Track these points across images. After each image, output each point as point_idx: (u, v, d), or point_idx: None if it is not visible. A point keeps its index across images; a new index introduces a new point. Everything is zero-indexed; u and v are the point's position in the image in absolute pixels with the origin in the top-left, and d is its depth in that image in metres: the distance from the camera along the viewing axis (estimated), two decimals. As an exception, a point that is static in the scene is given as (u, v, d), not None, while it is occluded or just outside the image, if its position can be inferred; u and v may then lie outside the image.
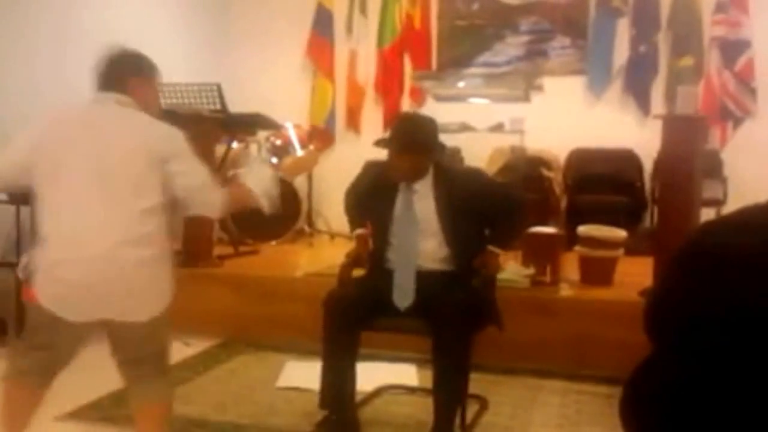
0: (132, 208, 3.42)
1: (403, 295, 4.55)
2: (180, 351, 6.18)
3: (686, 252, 2.11)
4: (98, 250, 3.35)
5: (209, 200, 3.72)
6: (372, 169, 5.02)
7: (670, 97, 8.68)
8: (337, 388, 4.48)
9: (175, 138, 3.68)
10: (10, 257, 6.51)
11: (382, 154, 4.75)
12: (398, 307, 4.54)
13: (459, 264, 4.61)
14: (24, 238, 6.56)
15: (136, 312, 3.50)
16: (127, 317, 3.50)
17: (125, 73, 3.86)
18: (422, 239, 4.63)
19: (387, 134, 5.08)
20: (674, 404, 2.03)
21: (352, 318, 4.42)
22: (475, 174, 5.22)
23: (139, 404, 3.81)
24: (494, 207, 4.72)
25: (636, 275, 5.93)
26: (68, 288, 3.41)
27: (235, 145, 8.13)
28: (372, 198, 4.82)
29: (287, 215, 8.52)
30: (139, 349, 3.66)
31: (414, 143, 4.61)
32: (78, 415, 4.92)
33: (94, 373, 5.69)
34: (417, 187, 4.66)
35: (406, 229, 4.65)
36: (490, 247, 4.64)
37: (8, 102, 6.92)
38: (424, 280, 4.55)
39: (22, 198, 6.44)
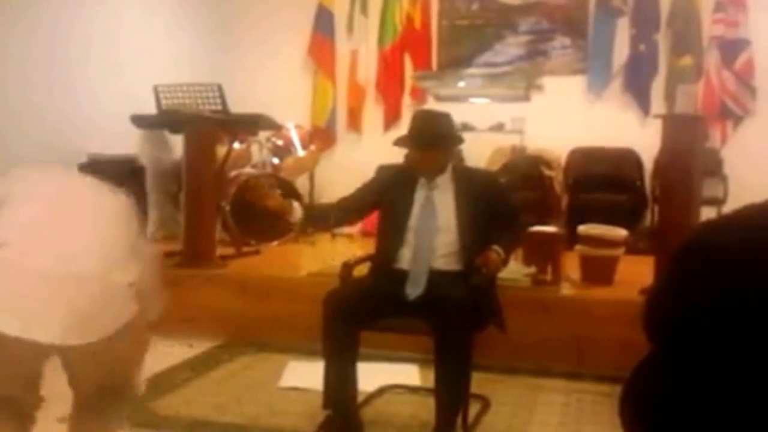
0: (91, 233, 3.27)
1: (416, 284, 4.58)
2: (183, 352, 6.19)
3: (685, 251, 2.10)
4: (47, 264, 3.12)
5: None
6: (388, 169, 5.04)
7: (670, 96, 8.68)
8: (339, 388, 4.47)
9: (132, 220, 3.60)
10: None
11: (385, 153, 4.78)
12: (408, 297, 4.57)
13: (467, 263, 4.63)
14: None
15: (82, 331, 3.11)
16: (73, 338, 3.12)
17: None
18: (438, 234, 4.66)
19: (396, 134, 5.10)
20: (673, 403, 2.02)
21: (353, 317, 4.41)
22: (493, 177, 5.31)
23: None
24: (500, 216, 4.77)
25: (637, 274, 5.91)
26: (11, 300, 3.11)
27: (236, 145, 8.13)
28: (390, 195, 4.81)
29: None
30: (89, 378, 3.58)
31: (434, 138, 4.71)
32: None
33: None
34: (438, 182, 4.73)
35: (425, 223, 4.68)
36: (495, 247, 4.63)
37: (14, 109, 6.93)
38: (431, 278, 4.58)
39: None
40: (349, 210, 4.94)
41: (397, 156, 5.07)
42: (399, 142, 4.86)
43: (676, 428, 2.01)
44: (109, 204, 3.49)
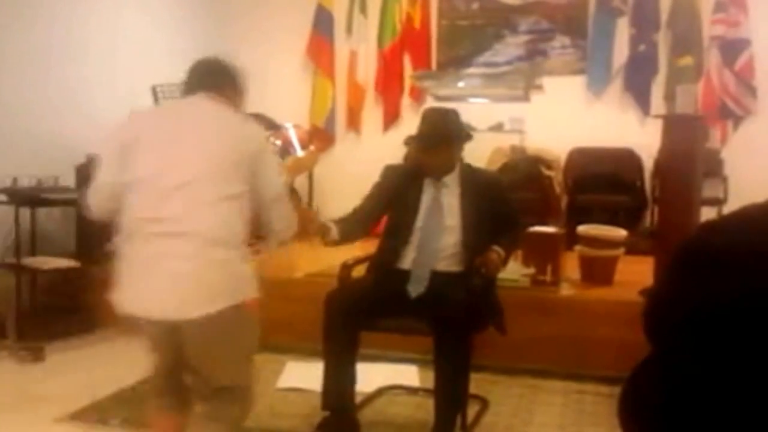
0: (213, 201, 3.36)
1: (418, 284, 4.59)
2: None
3: (685, 251, 2.10)
4: (165, 250, 3.33)
5: (285, 215, 3.69)
6: (395, 168, 5.01)
7: (669, 96, 8.67)
8: (338, 388, 4.46)
9: (263, 141, 3.75)
10: (9, 258, 6.50)
11: (384, 153, 4.77)
12: (410, 295, 4.57)
13: (467, 263, 4.62)
14: (23, 238, 6.55)
15: (186, 308, 3.30)
16: (178, 314, 3.32)
17: (223, 82, 3.81)
18: (443, 235, 4.66)
19: (396, 134, 5.10)
20: (672, 404, 2.02)
21: (354, 318, 4.41)
22: (497, 178, 5.31)
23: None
24: (500, 217, 4.75)
25: (636, 274, 5.92)
26: (134, 286, 3.41)
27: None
28: (397, 196, 4.79)
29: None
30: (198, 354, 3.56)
31: (444, 136, 4.71)
32: (77, 416, 4.90)
33: (93, 375, 5.73)
34: (445, 182, 4.73)
35: (432, 223, 4.68)
36: (494, 247, 4.61)
37: (13, 109, 6.92)
38: (433, 279, 4.59)
39: (21, 199, 6.45)
40: (367, 220, 4.90)
41: (396, 155, 5.06)
42: (409, 140, 4.86)
43: (674, 429, 2.01)
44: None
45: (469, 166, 4.85)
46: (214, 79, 3.79)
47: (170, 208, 3.32)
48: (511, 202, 5.13)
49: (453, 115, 4.85)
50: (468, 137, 4.88)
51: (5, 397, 5.23)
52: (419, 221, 4.69)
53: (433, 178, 4.74)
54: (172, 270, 3.29)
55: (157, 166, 3.39)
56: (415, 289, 4.58)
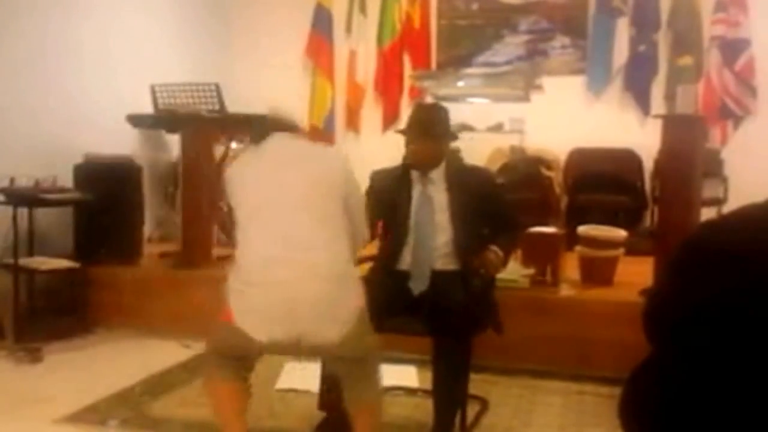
0: (319, 234, 3.69)
1: (419, 283, 4.59)
2: (180, 353, 6.19)
3: (684, 251, 2.10)
4: (289, 275, 3.58)
5: (364, 231, 4.10)
6: (380, 173, 4.97)
7: (670, 96, 8.68)
8: (336, 389, 4.46)
9: (348, 163, 4.01)
10: (7, 259, 6.49)
11: (384, 153, 4.78)
12: (413, 292, 4.58)
13: (462, 262, 4.62)
14: (21, 239, 6.55)
15: (324, 333, 3.63)
16: (318, 338, 3.64)
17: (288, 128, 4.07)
18: (436, 231, 4.66)
19: (395, 134, 5.12)
20: (672, 405, 2.02)
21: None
22: (487, 175, 5.30)
23: (349, 402, 4.03)
24: (495, 216, 4.75)
25: (636, 275, 5.93)
26: (260, 310, 3.62)
27: (234, 145, 8.11)
28: (389, 198, 4.77)
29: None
30: (338, 360, 3.96)
31: (431, 129, 4.73)
32: (76, 418, 4.89)
33: (92, 376, 5.73)
34: (432, 176, 4.72)
35: (423, 220, 4.68)
36: (492, 247, 4.61)
37: (10, 110, 6.92)
38: (432, 278, 4.59)
39: (19, 199, 6.44)
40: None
41: (396, 155, 5.04)
42: (400, 131, 4.88)
43: (675, 430, 2.01)
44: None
45: (456, 161, 4.87)
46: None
47: None
48: (506, 201, 5.13)
49: (442, 111, 4.88)
50: (453, 137, 4.96)
51: (3, 398, 5.22)
52: (412, 218, 4.70)
53: (419, 172, 4.74)
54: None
55: None
56: (417, 286, 4.58)
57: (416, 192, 4.73)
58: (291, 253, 3.60)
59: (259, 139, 3.96)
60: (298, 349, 4.06)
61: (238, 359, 3.84)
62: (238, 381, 3.87)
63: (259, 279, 3.62)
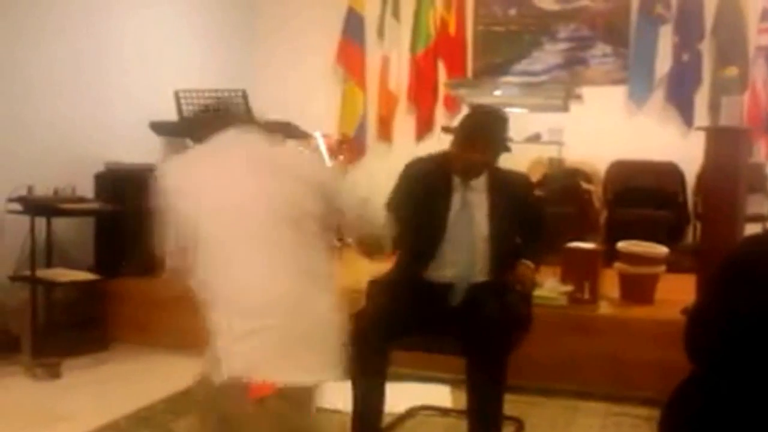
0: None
1: (459, 292, 4.57)
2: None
3: (728, 266, 2.12)
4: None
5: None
6: (417, 166, 4.80)
7: (714, 108, 8.65)
8: (366, 409, 4.45)
9: (321, 170, 3.53)
10: (24, 270, 6.55)
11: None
12: (450, 304, 4.55)
13: (496, 274, 4.59)
14: (39, 250, 6.58)
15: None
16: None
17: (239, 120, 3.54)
18: (475, 242, 4.59)
19: (429, 144, 5.07)
20: (715, 424, 2.03)
21: (383, 336, 4.36)
22: (527, 181, 5.19)
23: None
24: (528, 222, 4.74)
25: (678, 293, 5.91)
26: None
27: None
28: (423, 196, 4.62)
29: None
30: None
31: (484, 137, 4.59)
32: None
33: (112, 393, 5.76)
34: (473, 184, 4.62)
35: (464, 231, 4.59)
36: (524, 261, 4.60)
37: (29, 118, 6.99)
38: (466, 296, 4.56)
39: (37, 209, 6.46)
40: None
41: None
42: (447, 129, 4.79)
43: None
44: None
45: (498, 169, 4.76)
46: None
47: None
48: (538, 205, 5.10)
49: (500, 121, 4.76)
50: (507, 148, 4.73)
51: (20, 416, 5.26)
52: (449, 227, 4.60)
53: (460, 177, 4.62)
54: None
55: None
56: (454, 299, 4.56)
57: (456, 199, 4.62)
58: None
59: (204, 136, 3.41)
60: None
61: None
62: None
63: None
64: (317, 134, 8.96)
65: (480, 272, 4.61)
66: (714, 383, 2.06)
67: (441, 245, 4.60)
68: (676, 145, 9.10)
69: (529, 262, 4.59)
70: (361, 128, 10.37)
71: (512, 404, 4.71)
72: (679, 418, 2.22)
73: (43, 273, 6.60)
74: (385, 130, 10.35)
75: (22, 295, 6.48)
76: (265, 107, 7.91)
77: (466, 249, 4.60)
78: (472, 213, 4.61)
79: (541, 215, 5.02)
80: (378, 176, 6.48)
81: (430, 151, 4.90)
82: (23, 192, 6.51)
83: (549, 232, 5.12)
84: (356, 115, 10.36)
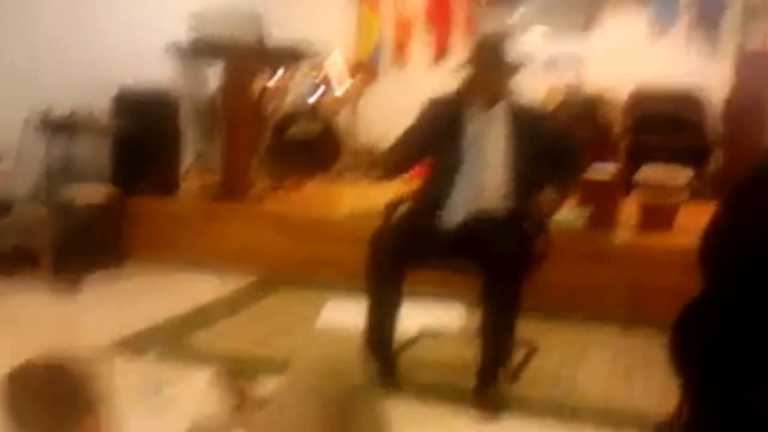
0: None
1: (454, 211, 4.65)
2: (214, 287, 6.32)
3: (746, 180, 2.13)
4: None
5: None
6: (432, 103, 4.91)
7: (742, 33, 8.59)
8: (379, 330, 4.57)
9: None
10: (42, 192, 6.65)
11: (432, 90, 4.82)
12: (447, 225, 4.64)
13: (519, 201, 4.67)
14: (57, 169, 6.66)
15: None
16: None
17: None
18: (489, 170, 4.69)
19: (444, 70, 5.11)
20: (721, 346, 2.05)
21: (399, 258, 4.49)
22: (545, 116, 5.26)
23: None
24: (555, 152, 4.80)
25: (699, 221, 5.91)
26: None
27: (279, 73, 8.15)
28: (439, 132, 4.76)
29: (330, 152, 8.57)
30: None
31: (495, 59, 4.74)
32: (113, 349, 4.98)
33: (128, 309, 5.85)
34: (490, 115, 4.74)
35: (474, 158, 4.69)
36: (548, 189, 4.65)
37: (44, 42, 7.02)
38: (481, 219, 4.63)
39: (55, 127, 6.54)
40: (410, 156, 4.97)
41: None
42: (462, 64, 4.86)
43: (725, 363, 2.06)
44: None
45: (519, 103, 4.84)
46: None
47: None
48: (565, 135, 5.13)
49: (507, 43, 4.86)
50: (518, 67, 4.86)
51: (41, 329, 5.33)
52: (462, 158, 4.70)
53: (479, 108, 4.73)
54: None
55: None
56: (449, 219, 4.64)
57: (471, 131, 4.72)
58: None
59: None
60: None
61: None
62: None
63: None
64: (336, 53, 8.96)
65: (494, 201, 4.69)
66: (722, 302, 2.08)
67: (456, 175, 4.70)
68: (702, 71, 9.01)
69: (551, 190, 4.64)
70: (376, 53, 10.27)
71: (525, 327, 4.71)
72: (688, 339, 2.25)
73: (60, 191, 6.73)
74: (401, 55, 10.28)
75: (41, 212, 6.55)
76: (278, 31, 7.98)
77: (474, 176, 4.68)
78: (484, 143, 4.71)
79: (569, 143, 5.05)
80: (395, 100, 6.53)
81: (445, 77, 4.99)
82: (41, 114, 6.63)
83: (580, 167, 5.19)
84: (371, 40, 10.25)
